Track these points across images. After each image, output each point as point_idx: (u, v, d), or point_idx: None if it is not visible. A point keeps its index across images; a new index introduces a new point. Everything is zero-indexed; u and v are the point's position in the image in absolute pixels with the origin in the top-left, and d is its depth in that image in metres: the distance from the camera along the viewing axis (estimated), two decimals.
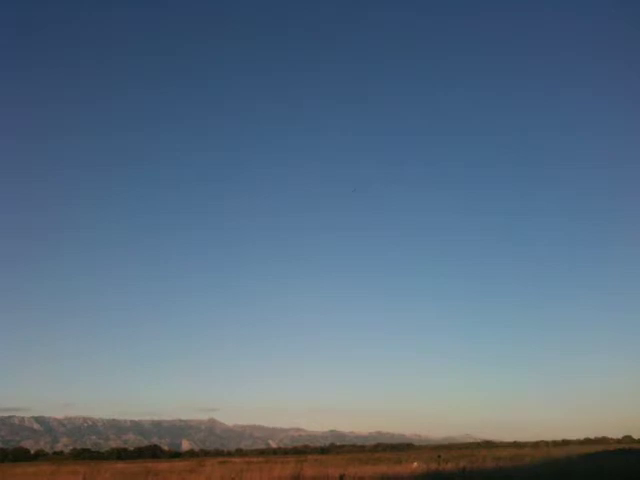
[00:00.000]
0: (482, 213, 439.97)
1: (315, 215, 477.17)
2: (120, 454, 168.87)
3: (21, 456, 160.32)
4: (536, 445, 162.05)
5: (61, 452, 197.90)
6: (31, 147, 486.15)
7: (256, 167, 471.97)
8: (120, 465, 62.91)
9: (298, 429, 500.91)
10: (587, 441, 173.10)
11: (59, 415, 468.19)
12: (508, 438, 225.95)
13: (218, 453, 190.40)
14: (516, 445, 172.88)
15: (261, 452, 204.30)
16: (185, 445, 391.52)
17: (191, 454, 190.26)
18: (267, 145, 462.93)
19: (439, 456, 40.21)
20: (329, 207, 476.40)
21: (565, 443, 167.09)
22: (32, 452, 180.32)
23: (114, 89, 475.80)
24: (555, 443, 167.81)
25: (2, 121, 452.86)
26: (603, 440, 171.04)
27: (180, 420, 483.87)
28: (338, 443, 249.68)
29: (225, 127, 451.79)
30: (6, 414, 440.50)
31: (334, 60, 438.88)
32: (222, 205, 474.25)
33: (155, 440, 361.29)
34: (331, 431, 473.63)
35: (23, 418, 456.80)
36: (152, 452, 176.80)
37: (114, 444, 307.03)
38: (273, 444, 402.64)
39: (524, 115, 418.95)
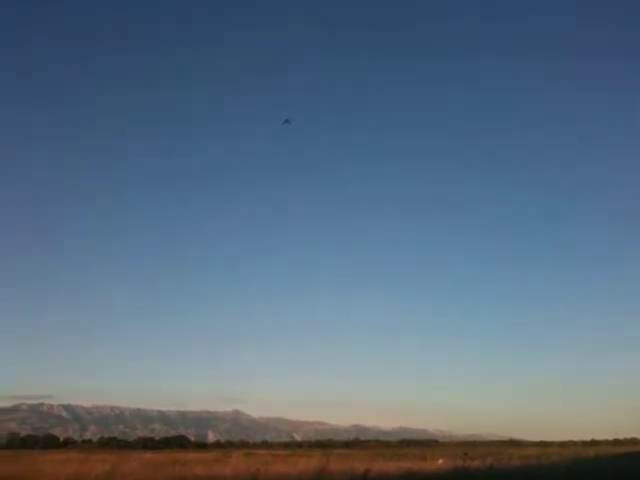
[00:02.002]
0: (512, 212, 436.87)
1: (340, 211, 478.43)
2: (147, 444, 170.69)
3: (50, 443, 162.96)
4: (563, 445, 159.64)
5: (89, 440, 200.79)
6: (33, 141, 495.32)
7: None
8: (148, 455, 63.55)
9: (322, 423, 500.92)
10: (616, 442, 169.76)
11: (87, 403, 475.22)
12: (534, 437, 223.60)
13: (243, 445, 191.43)
14: (543, 444, 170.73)
15: (286, 445, 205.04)
16: (210, 436, 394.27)
17: (217, 445, 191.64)
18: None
19: (465, 453, 39.90)
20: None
21: (594, 444, 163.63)
22: (61, 440, 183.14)
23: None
24: (583, 443, 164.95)
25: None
26: (633, 441, 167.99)
27: (206, 411, 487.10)
28: (362, 438, 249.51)
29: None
30: (35, 402, 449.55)
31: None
32: (239, 197, 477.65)
33: (181, 430, 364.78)
34: (354, 425, 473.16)
35: (52, 406, 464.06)
36: (179, 442, 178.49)
37: (141, 433, 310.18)
38: (297, 437, 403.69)
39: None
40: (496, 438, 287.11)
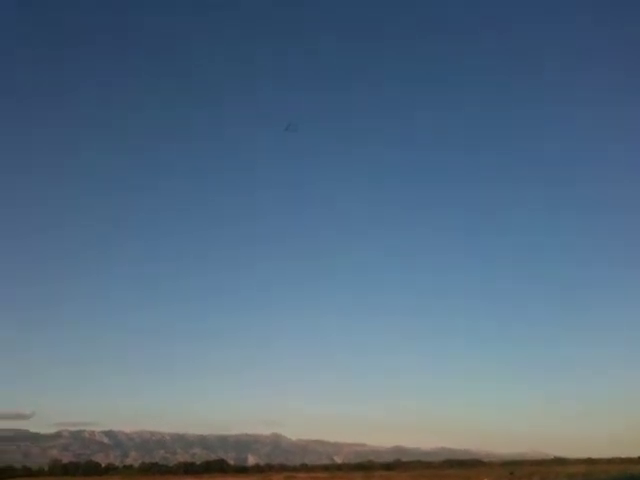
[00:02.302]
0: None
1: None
2: (187, 468, 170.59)
3: (92, 470, 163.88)
4: (610, 462, 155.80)
5: (131, 466, 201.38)
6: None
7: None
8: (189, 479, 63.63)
9: (362, 444, 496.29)
10: None
11: (127, 429, 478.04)
12: (580, 454, 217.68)
13: (283, 468, 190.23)
14: (589, 461, 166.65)
15: (326, 467, 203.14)
16: (250, 459, 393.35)
17: (257, 469, 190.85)
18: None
19: (511, 473, 39.03)
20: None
21: None
22: (103, 466, 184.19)
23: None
24: (631, 460, 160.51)
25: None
26: None
27: (245, 435, 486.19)
28: (403, 459, 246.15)
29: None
30: (77, 428, 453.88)
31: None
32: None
33: (221, 454, 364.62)
34: (395, 446, 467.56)
35: (93, 432, 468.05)
36: (219, 466, 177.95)
37: (181, 458, 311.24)
38: (337, 459, 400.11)
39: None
40: (542, 456, 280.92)
